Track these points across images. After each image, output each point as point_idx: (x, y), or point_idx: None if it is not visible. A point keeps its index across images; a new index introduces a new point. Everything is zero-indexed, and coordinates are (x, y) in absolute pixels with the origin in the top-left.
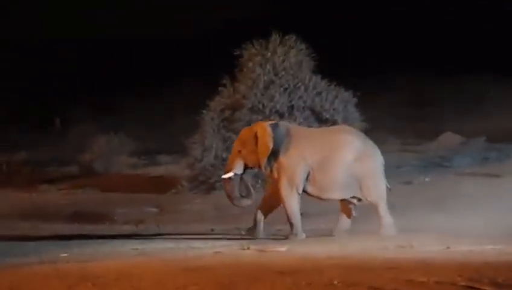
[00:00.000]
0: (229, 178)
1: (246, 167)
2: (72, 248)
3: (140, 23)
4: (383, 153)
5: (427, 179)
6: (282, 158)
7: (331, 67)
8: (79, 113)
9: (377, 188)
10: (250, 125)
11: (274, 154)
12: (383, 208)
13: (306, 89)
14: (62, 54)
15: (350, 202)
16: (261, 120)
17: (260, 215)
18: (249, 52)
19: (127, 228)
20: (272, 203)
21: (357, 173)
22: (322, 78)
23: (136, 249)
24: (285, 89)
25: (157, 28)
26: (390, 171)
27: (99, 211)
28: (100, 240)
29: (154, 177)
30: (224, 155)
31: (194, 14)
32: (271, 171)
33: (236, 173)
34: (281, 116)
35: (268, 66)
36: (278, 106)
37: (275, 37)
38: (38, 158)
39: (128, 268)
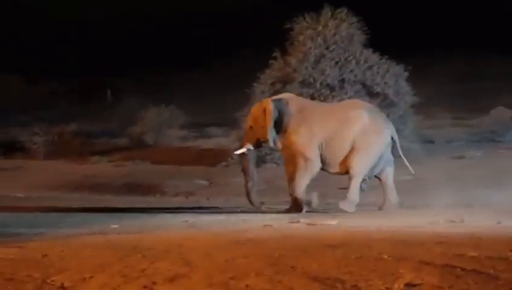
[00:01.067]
0: (244, 153)
1: (257, 144)
2: (122, 219)
3: None
4: (434, 127)
5: (478, 154)
6: (293, 135)
7: (382, 40)
8: (130, 85)
9: (363, 163)
10: None
11: (281, 130)
12: (356, 183)
13: (357, 63)
14: (114, 29)
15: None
16: (312, 94)
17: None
18: (300, 26)
19: (177, 200)
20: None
21: (355, 144)
22: (373, 51)
23: (186, 221)
24: (336, 63)
25: (206, 2)
26: (442, 145)
27: (150, 183)
28: (150, 212)
29: (205, 150)
30: None
31: None
32: (282, 146)
33: (249, 148)
34: (332, 89)
35: (319, 40)
36: (328, 80)
37: (326, 11)
38: (89, 130)
39: (178, 240)
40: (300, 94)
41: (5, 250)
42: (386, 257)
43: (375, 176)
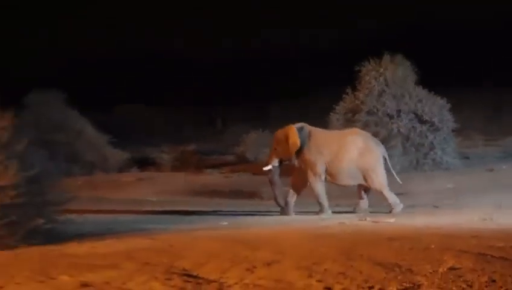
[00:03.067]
0: (269, 169)
1: (280, 161)
2: (230, 218)
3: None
4: (470, 146)
5: (504, 167)
6: (307, 154)
7: (430, 79)
8: (235, 115)
9: (378, 177)
10: (366, 125)
11: (299, 150)
12: (386, 192)
13: (410, 97)
14: (225, 68)
15: (363, 186)
16: (376, 121)
17: (291, 197)
18: (366, 68)
19: (272, 203)
20: (299, 186)
21: (360, 166)
22: (423, 88)
23: (278, 219)
24: (394, 97)
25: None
26: (476, 160)
27: (250, 190)
28: (251, 213)
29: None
30: None
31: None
32: (298, 162)
33: (274, 165)
34: (391, 117)
35: (381, 79)
36: (388, 110)
37: (386, 56)
38: (204, 149)
39: (273, 234)
40: (366, 121)
41: (140, 241)
42: (432, 247)
43: (361, 184)
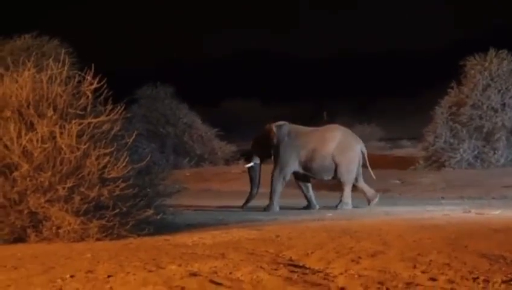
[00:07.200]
0: (250, 166)
1: (262, 158)
2: (334, 209)
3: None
4: None
5: None
6: (281, 151)
7: None
8: (342, 108)
9: (348, 173)
10: (470, 118)
11: (277, 148)
12: (347, 189)
13: None
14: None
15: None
16: (480, 114)
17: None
18: (471, 63)
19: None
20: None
21: (336, 160)
22: None
23: (384, 211)
24: (499, 91)
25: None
26: None
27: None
28: (356, 205)
29: (397, 157)
30: (451, 141)
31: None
32: (275, 159)
33: (256, 162)
34: (495, 111)
35: (486, 73)
36: (493, 104)
37: (491, 51)
38: None
39: (377, 225)
40: (471, 115)
41: (247, 232)
42: None
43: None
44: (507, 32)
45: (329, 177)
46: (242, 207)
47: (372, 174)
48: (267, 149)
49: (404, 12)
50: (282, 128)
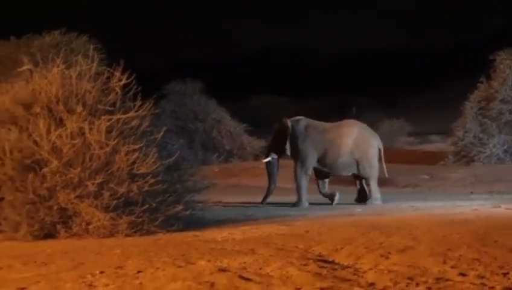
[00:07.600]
0: (268, 162)
1: (279, 153)
2: (366, 204)
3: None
4: None
5: None
6: (300, 146)
7: None
8: (370, 103)
9: (370, 168)
10: (500, 113)
11: (295, 143)
12: (373, 184)
13: None
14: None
15: (358, 177)
16: (510, 109)
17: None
18: (500, 58)
19: (406, 190)
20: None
21: (356, 156)
22: None
23: (413, 206)
24: None
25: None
26: None
27: (385, 178)
28: (386, 199)
29: (427, 152)
30: (480, 136)
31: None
32: (292, 155)
33: (273, 157)
34: None
35: None
36: None
37: None
38: None
39: (406, 220)
40: (500, 110)
41: (277, 227)
42: None
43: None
44: None
45: (348, 173)
46: (261, 203)
47: (385, 171)
48: (283, 144)
49: (431, 6)
50: (298, 123)
